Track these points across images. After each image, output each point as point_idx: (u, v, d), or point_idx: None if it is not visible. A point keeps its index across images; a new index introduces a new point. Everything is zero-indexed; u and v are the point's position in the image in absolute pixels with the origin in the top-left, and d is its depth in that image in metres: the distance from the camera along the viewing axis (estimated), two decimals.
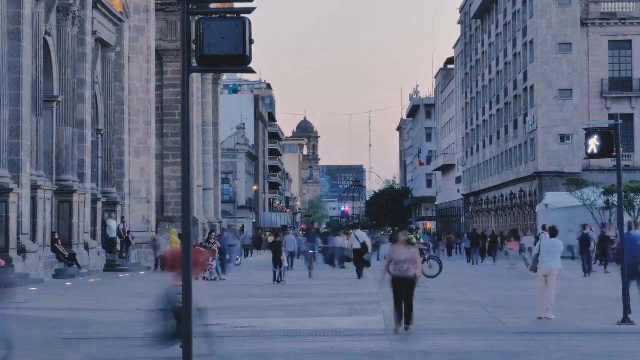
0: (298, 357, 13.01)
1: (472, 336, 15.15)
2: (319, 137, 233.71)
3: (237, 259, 46.83)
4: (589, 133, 17.38)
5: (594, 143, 17.09)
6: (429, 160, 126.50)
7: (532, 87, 65.66)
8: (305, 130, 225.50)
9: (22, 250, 29.32)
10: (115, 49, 40.65)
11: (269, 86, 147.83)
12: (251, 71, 9.04)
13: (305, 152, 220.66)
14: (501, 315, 18.58)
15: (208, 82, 57.56)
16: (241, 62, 8.75)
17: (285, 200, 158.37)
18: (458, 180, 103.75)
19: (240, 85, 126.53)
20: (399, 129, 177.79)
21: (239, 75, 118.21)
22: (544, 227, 33.53)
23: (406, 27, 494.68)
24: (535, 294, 18.43)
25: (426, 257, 33.09)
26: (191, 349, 8.91)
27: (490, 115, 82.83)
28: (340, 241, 42.68)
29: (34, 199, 30.76)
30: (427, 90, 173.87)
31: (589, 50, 63.14)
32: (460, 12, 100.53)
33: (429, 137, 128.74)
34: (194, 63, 8.98)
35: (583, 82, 62.86)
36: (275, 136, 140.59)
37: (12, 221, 28.68)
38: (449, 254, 59.77)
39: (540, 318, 17.36)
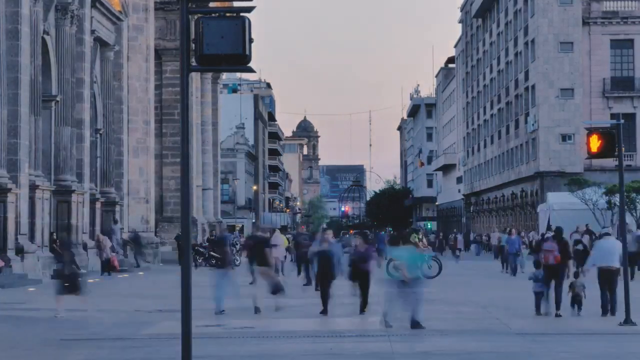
0: (298, 358, 12.93)
1: (473, 337, 15.06)
2: (319, 136, 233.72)
3: (237, 260, 46.76)
4: (591, 133, 17.26)
5: (595, 143, 16.98)
6: (429, 160, 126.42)
7: (533, 86, 65.56)
8: (305, 130, 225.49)
9: (20, 251, 29.25)
10: (114, 48, 40.55)
11: (268, 85, 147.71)
12: (251, 70, 8.95)
13: (305, 151, 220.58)
14: (502, 315, 18.47)
15: (207, 82, 57.48)
16: (241, 61, 8.67)
17: (285, 200, 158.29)
18: (459, 180, 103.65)
19: (239, 85, 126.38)
20: (400, 128, 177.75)
21: (238, 75, 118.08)
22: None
23: (406, 26, 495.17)
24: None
25: (426, 257, 33.02)
26: (190, 349, 8.80)
27: (491, 115, 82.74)
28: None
29: (32, 199, 30.68)
30: (428, 89, 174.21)
31: (591, 50, 63.02)
32: (461, 11, 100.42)
33: (429, 137, 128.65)
34: (193, 62, 8.89)
35: (585, 81, 62.75)
36: (275, 136, 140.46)
37: (10, 221, 28.63)
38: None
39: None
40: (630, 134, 60.38)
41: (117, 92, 41.52)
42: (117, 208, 40.12)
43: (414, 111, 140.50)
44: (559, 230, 19.80)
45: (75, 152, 35.26)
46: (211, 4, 47.30)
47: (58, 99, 33.75)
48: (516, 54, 71.88)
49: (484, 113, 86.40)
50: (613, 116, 52.94)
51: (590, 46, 63.01)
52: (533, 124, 65.07)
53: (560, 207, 50.67)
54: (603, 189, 47.16)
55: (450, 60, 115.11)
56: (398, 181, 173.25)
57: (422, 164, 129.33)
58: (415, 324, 15.95)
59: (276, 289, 19.52)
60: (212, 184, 58.72)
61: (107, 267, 34.66)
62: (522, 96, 69.58)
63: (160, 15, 48.56)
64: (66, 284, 19.13)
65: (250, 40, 8.56)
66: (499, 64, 79.20)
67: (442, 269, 32.78)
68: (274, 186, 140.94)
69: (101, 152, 39.88)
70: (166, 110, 49.73)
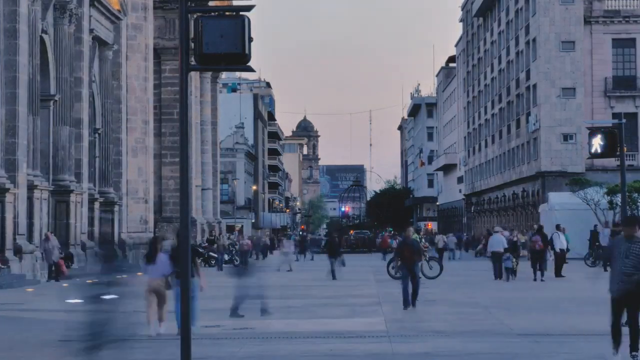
0: (298, 359, 12.82)
1: (474, 338, 14.94)
2: (319, 136, 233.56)
3: (236, 260, 46.61)
4: (593, 132, 17.15)
5: (597, 142, 16.90)
6: (430, 159, 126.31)
7: (534, 85, 65.43)
8: (305, 130, 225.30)
9: (18, 251, 29.12)
10: (112, 47, 40.45)
11: (268, 85, 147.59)
12: (250, 70, 8.89)
13: (305, 151, 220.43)
14: (504, 316, 18.33)
15: (207, 81, 57.35)
16: (240, 60, 8.63)
17: (285, 200, 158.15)
18: (460, 180, 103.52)
19: (239, 84, 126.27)
20: (400, 128, 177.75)
21: (237, 74, 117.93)
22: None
23: (407, 25, 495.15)
24: None
25: (427, 257, 32.87)
26: (189, 350, 8.69)
27: (493, 114, 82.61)
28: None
29: (30, 199, 30.56)
30: (429, 89, 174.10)
31: (593, 49, 62.86)
32: (462, 9, 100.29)
33: (430, 137, 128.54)
34: (193, 61, 8.79)
35: (586, 80, 62.58)
36: (274, 135, 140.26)
37: (8, 221, 28.53)
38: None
39: None
40: (632, 134, 60.07)
41: (116, 92, 41.40)
42: (116, 208, 39.97)
43: (414, 111, 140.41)
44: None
45: (74, 152, 35.15)
46: (210, 3, 47.19)
47: (56, 98, 33.65)
48: (517, 53, 71.74)
49: (485, 112, 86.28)
50: (615, 116, 52.81)
51: (592, 45, 62.84)
52: (534, 124, 64.94)
53: (561, 207, 50.49)
54: (605, 189, 47.00)
55: (451, 59, 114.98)
56: (398, 181, 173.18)
57: (423, 163, 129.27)
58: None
59: None
60: (212, 183, 58.59)
61: (55, 272, 30.55)
62: (524, 95, 69.43)
63: (159, 14, 48.44)
64: None
65: (250, 40, 8.51)
66: (500, 63, 79.07)
67: (442, 270, 32.64)
68: (273, 186, 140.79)
69: (100, 152, 39.75)
70: (165, 109, 49.58)
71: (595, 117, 59.43)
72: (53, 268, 30.67)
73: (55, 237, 31.89)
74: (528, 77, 67.64)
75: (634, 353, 12.04)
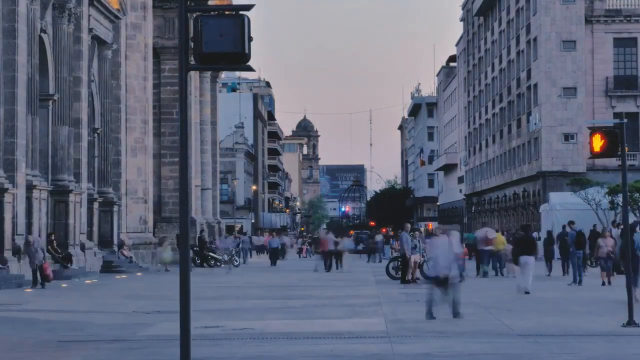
0: (297, 359, 12.75)
1: (474, 338, 14.87)
2: (318, 136, 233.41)
3: (236, 260, 46.55)
4: (594, 132, 17.05)
5: (598, 142, 16.77)
6: (430, 159, 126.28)
7: (535, 85, 65.41)
8: (305, 129, 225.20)
9: (17, 251, 29.06)
10: (111, 47, 40.39)
11: (268, 84, 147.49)
12: (250, 69, 8.83)
13: (305, 151, 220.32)
14: (504, 317, 18.26)
15: (206, 80, 57.20)
16: (240, 60, 8.58)
17: (285, 201, 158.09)
18: (460, 180, 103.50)
19: (239, 84, 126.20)
20: (401, 127, 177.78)
21: (237, 74, 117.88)
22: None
23: (408, 24, 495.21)
24: None
25: (426, 258, 32.72)
26: (189, 351, 8.63)
27: (493, 114, 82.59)
28: None
29: (29, 199, 30.50)
30: (429, 88, 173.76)
31: (594, 48, 62.83)
32: (463, 9, 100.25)
33: (430, 136, 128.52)
34: (192, 61, 8.72)
35: (587, 80, 62.56)
36: (274, 135, 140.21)
37: (7, 221, 28.49)
38: None
39: None
40: (633, 133, 60.00)
41: (115, 91, 41.33)
42: (115, 208, 39.90)
43: (415, 110, 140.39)
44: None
45: (73, 152, 35.09)
46: (210, 2, 47.13)
47: (55, 97, 33.60)
48: (518, 53, 71.71)
49: (486, 112, 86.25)
50: (616, 115, 52.80)
51: (593, 45, 62.81)
52: (535, 124, 64.91)
53: (562, 207, 50.42)
54: (606, 188, 46.92)
55: (452, 58, 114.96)
56: (399, 181, 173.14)
57: (423, 163, 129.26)
58: None
59: None
60: (211, 183, 58.42)
61: (40, 276, 27.76)
62: (524, 95, 69.41)
63: (158, 13, 48.31)
64: None
65: (250, 39, 8.46)
66: (500, 62, 79.04)
67: None
68: (273, 186, 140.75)
69: (99, 152, 39.70)
70: (165, 109, 49.42)
71: (597, 116, 59.43)
72: (38, 273, 27.87)
73: (40, 239, 30.01)
74: (529, 77, 67.62)
75: None
